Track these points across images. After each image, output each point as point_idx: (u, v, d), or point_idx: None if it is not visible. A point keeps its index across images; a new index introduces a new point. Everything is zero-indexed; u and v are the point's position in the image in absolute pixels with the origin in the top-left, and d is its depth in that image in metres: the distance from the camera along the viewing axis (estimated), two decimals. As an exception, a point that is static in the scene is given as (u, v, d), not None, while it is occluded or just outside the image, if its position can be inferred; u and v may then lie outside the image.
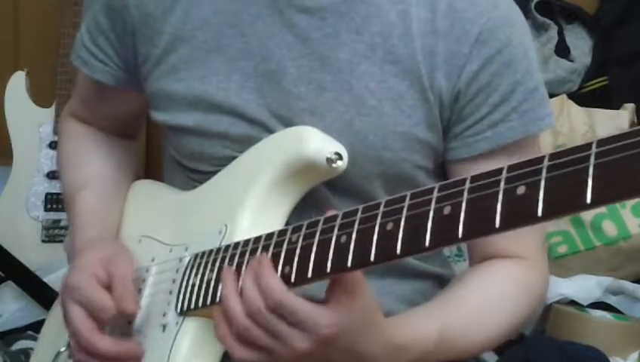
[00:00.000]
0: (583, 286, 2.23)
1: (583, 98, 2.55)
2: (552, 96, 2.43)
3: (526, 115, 1.17)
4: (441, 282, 1.27)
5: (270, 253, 1.02)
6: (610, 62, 2.63)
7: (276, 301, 0.97)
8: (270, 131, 1.17)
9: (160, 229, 1.27)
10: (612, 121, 2.39)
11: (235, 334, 1.01)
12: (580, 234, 2.29)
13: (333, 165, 1.10)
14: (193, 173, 1.26)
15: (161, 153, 1.37)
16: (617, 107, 2.49)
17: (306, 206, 1.14)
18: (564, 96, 2.50)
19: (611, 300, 2.23)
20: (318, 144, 1.11)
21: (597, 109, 2.45)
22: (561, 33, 2.66)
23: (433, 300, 1.16)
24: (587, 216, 2.28)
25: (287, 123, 1.17)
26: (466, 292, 1.16)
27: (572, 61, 2.63)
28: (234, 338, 1.01)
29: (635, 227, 2.27)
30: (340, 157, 1.10)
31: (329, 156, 1.10)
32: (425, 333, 1.07)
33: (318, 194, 1.16)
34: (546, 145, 2.25)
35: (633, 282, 2.27)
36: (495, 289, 1.17)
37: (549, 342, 2.09)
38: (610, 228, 2.28)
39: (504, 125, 1.17)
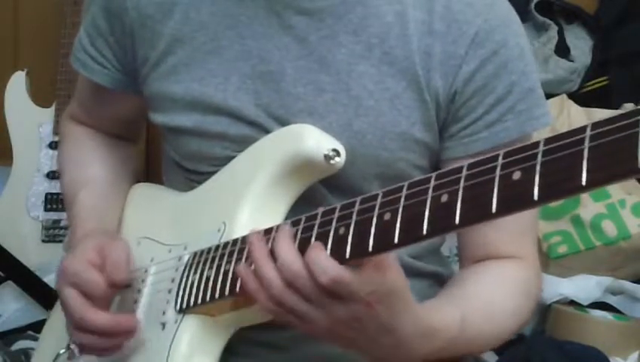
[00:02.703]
0: (583, 286, 2.23)
1: (583, 98, 2.55)
2: (552, 96, 2.45)
3: (521, 115, 1.18)
4: (440, 281, 1.27)
5: (269, 247, 1.01)
6: (610, 62, 2.63)
7: (330, 277, 0.93)
8: (268, 132, 1.18)
9: (159, 230, 1.27)
10: (612, 121, 2.39)
11: (269, 297, 0.98)
12: (580, 234, 2.29)
13: (331, 162, 1.10)
14: (193, 174, 1.26)
15: (161, 155, 1.37)
16: (617, 107, 2.49)
17: (305, 206, 1.13)
18: (563, 96, 2.50)
19: (611, 300, 2.23)
20: (315, 141, 1.11)
21: (597, 109, 2.46)
22: (561, 33, 2.67)
23: (443, 295, 1.15)
24: (587, 215, 2.28)
25: (285, 124, 1.17)
26: (473, 291, 1.15)
27: (572, 61, 2.63)
28: (266, 296, 0.98)
29: (635, 227, 2.27)
30: (338, 154, 1.10)
31: (327, 153, 1.10)
32: (451, 319, 1.06)
33: (316, 194, 1.16)
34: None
35: (633, 282, 2.27)
36: (498, 290, 1.17)
37: (549, 342, 2.09)
38: (610, 228, 2.28)
39: (500, 125, 1.17)
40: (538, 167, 0.75)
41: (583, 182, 0.70)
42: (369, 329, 0.98)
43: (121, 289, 1.21)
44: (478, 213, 0.80)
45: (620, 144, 0.69)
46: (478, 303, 1.13)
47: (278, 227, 1.01)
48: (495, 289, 1.17)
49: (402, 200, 0.89)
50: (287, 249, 0.97)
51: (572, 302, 2.23)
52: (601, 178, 0.70)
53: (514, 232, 1.18)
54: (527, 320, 1.21)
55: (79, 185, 1.37)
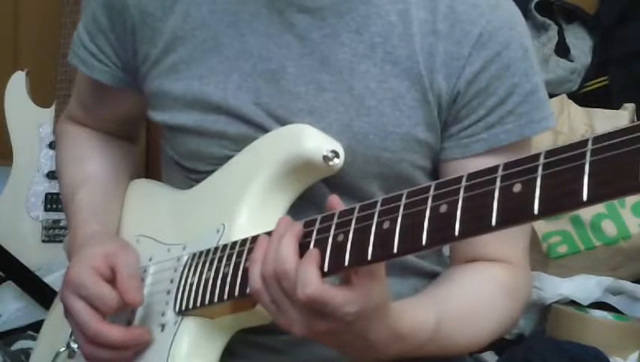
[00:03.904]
0: (583, 286, 2.23)
1: (583, 98, 2.55)
2: (552, 96, 2.43)
3: (522, 118, 1.17)
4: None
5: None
6: (610, 62, 2.63)
7: (309, 295, 0.93)
8: (267, 131, 1.17)
9: (158, 229, 1.27)
10: (612, 121, 2.39)
11: (260, 273, 0.98)
12: (580, 234, 2.29)
13: (330, 163, 1.09)
14: (191, 173, 1.26)
15: (161, 154, 1.37)
16: (617, 107, 2.49)
17: (305, 204, 1.14)
18: (564, 96, 2.50)
19: (611, 300, 2.23)
20: (314, 142, 1.11)
21: (597, 109, 2.45)
22: (561, 33, 2.66)
23: (424, 294, 1.15)
24: (587, 215, 2.28)
25: (285, 123, 1.17)
26: (457, 291, 1.16)
27: (572, 61, 2.63)
28: (258, 272, 0.98)
29: (635, 227, 2.26)
30: (337, 155, 1.10)
31: (325, 154, 1.09)
32: (423, 324, 1.06)
33: (316, 193, 1.16)
34: (546, 145, 2.25)
35: (633, 282, 2.26)
36: (483, 292, 1.17)
37: (549, 342, 2.09)
38: (610, 228, 2.27)
39: (500, 127, 1.17)
40: (539, 181, 0.74)
41: (585, 198, 0.70)
42: (344, 337, 0.98)
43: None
44: (477, 224, 0.80)
45: (622, 160, 0.68)
46: (458, 306, 1.13)
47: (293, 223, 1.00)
48: (479, 291, 1.17)
49: (401, 209, 0.88)
50: (289, 244, 0.96)
51: (572, 302, 2.22)
52: (602, 194, 0.69)
53: (505, 236, 1.16)
54: (513, 324, 1.21)
55: (78, 183, 1.36)
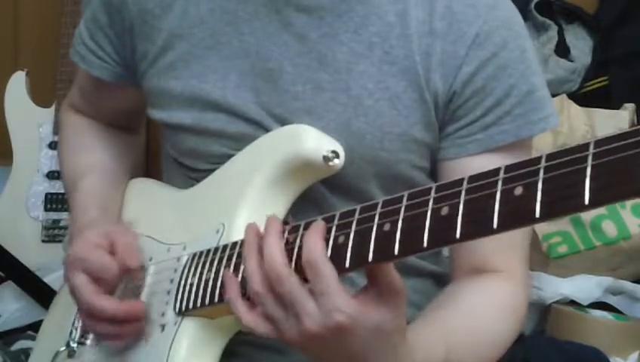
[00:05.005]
0: (583, 286, 2.23)
1: (583, 98, 2.55)
2: (552, 96, 2.44)
3: (519, 119, 1.17)
4: (440, 281, 1.27)
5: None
6: (610, 62, 2.63)
7: (310, 258, 0.92)
8: (267, 130, 1.17)
9: (158, 228, 1.27)
10: (612, 121, 2.39)
11: (246, 297, 0.97)
12: (580, 234, 2.29)
13: (330, 163, 1.09)
14: (191, 171, 1.26)
15: (162, 151, 1.37)
16: (617, 107, 2.48)
17: (305, 204, 1.14)
18: (564, 96, 2.49)
19: (611, 300, 2.22)
20: (314, 142, 1.11)
21: (597, 109, 2.45)
22: (561, 33, 2.66)
23: (432, 323, 1.11)
24: (587, 216, 2.28)
25: (284, 122, 1.17)
26: (464, 319, 1.13)
27: (572, 61, 2.63)
28: (243, 301, 0.97)
29: (635, 227, 2.26)
30: (337, 156, 1.10)
31: (325, 154, 1.09)
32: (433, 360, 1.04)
33: (316, 193, 1.16)
34: (546, 145, 2.25)
35: (633, 282, 2.26)
36: (490, 318, 1.15)
37: (549, 342, 2.09)
38: (610, 228, 2.27)
39: (496, 128, 1.17)
40: (540, 184, 0.74)
41: (586, 202, 0.70)
42: (340, 353, 0.95)
43: (133, 273, 1.20)
44: (478, 227, 0.79)
45: (624, 163, 0.68)
46: (466, 336, 1.11)
47: (268, 221, 0.99)
48: (485, 317, 1.15)
49: (402, 211, 0.88)
50: (273, 243, 0.95)
51: (572, 302, 2.22)
52: (604, 198, 0.69)
53: (505, 245, 1.17)
54: (514, 339, 1.19)
55: (80, 172, 1.38)
